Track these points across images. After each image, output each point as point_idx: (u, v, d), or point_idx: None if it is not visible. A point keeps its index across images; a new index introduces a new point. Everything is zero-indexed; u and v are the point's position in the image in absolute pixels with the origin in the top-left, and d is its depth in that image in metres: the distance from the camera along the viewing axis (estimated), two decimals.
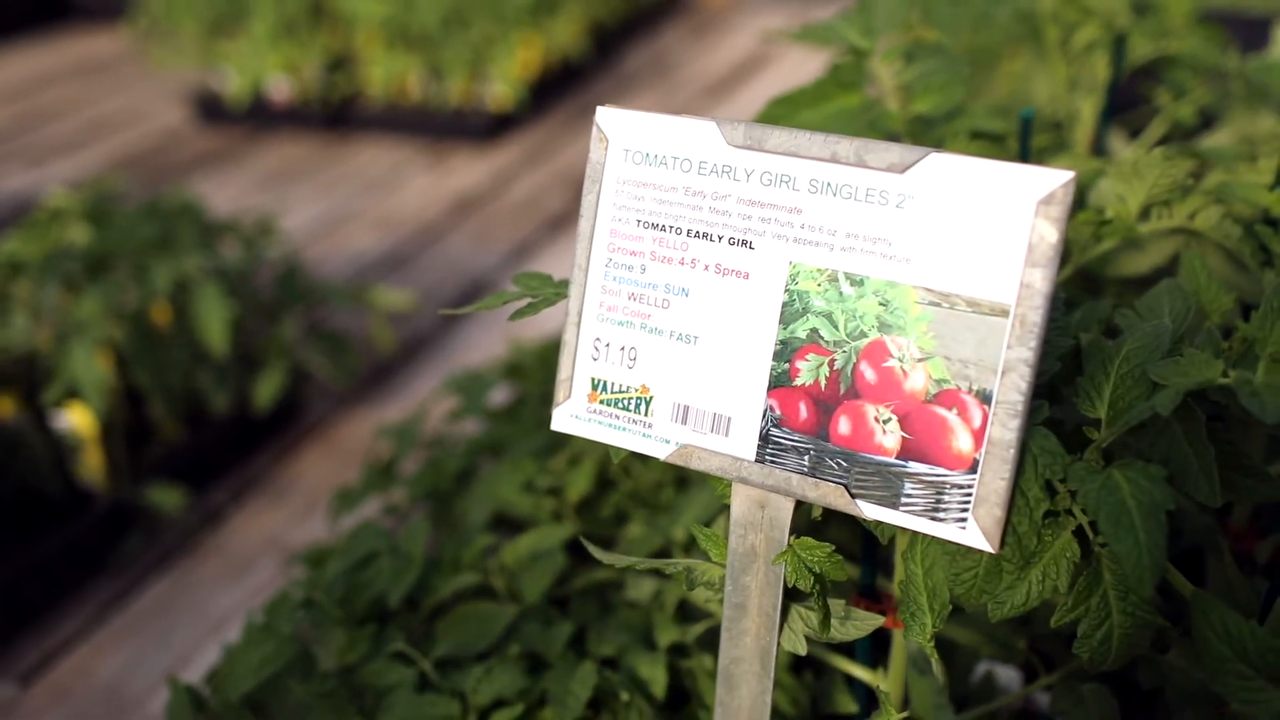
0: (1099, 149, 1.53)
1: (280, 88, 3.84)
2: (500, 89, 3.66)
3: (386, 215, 3.39)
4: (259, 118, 3.91)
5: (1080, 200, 1.20)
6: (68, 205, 2.21)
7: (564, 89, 4.07)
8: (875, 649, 1.04)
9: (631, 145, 0.87)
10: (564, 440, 1.51)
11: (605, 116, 0.87)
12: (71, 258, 2.03)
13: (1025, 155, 1.19)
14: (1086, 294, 1.23)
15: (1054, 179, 0.74)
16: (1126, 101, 1.90)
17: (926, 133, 1.23)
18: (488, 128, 3.70)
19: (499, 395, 2.20)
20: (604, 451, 1.43)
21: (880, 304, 0.79)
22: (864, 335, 0.80)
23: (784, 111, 1.21)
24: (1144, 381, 0.84)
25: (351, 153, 3.80)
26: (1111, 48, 1.46)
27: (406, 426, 1.70)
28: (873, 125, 1.21)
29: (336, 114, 3.85)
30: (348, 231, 3.29)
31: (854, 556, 1.14)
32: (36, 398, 1.96)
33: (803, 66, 4.31)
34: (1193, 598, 0.82)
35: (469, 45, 3.58)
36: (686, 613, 1.22)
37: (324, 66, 3.79)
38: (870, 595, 0.99)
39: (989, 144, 1.21)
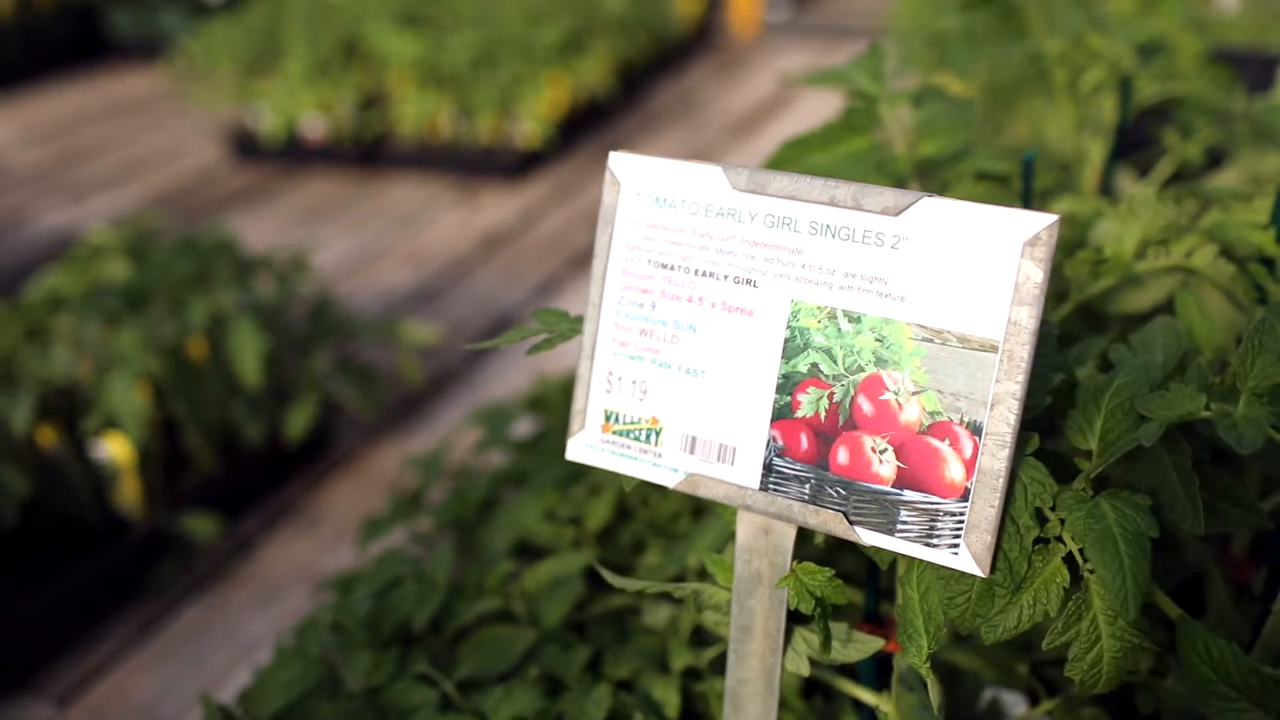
0: (1107, 188, 1.57)
1: (314, 126, 3.93)
2: (529, 127, 3.73)
3: (417, 251, 3.46)
4: (293, 155, 3.99)
5: (1081, 239, 1.24)
6: (107, 241, 2.28)
7: (591, 126, 4.14)
8: (880, 673, 1.08)
9: (642, 189, 0.92)
10: (585, 471, 1.55)
11: (617, 161, 0.92)
12: (111, 293, 2.09)
13: (1028, 196, 1.23)
14: (1091, 330, 1.27)
15: (1038, 221, 0.78)
16: (1138, 141, 1.94)
17: (933, 174, 1.27)
18: (517, 165, 3.77)
19: (522, 427, 2.25)
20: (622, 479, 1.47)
21: (877, 340, 0.84)
22: (861, 370, 0.84)
23: (795, 154, 1.26)
24: (1132, 414, 0.88)
25: (383, 189, 3.87)
26: (1118, 90, 1.50)
27: (432, 457, 1.75)
28: (880, 167, 1.25)
29: (369, 151, 3.93)
30: (379, 267, 3.36)
31: (861, 583, 1.18)
32: (76, 428, 2.02)
33: (827, 103, 4.36)
34: (1178, 622, 0.85)
35: (498, 85, 3.65)
36: (700, 638, 1.26)
37: (357, 105, 3.87)
38: (874, 620, 1.03)
39: (993, 185, 1.26)
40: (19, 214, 3.82)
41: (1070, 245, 1.25)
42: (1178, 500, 0.88)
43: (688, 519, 1.45)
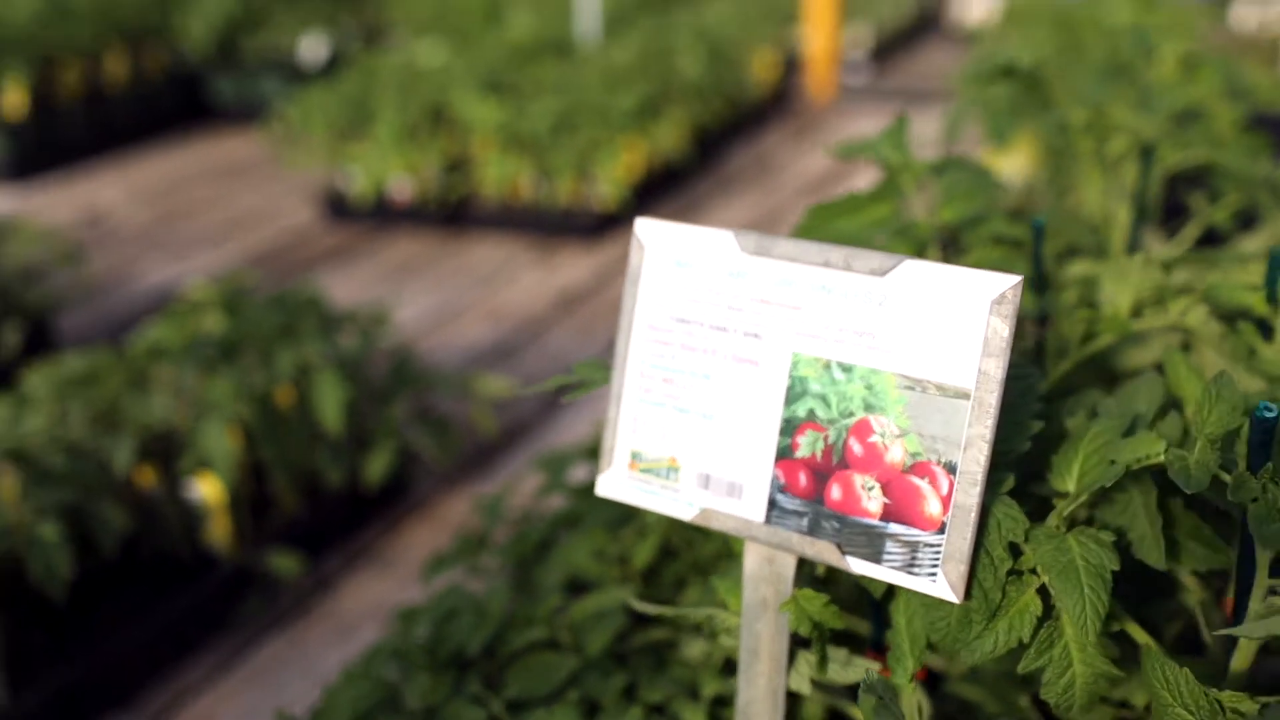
0: (1134, 251, 1.65)
1: (401, 188, 4.12)
2: (605, 190, 3.88)
3: (496, 309, 3.61)
4: (381, 216, 4.19)
5: (1094, 300, 1.32)
6: (205, 297, 2.46)
7: (666, 189, 4.28)
8: None
9: (664, 252, 1.03)
10: (634, 514, 1.66)
11: (642, 227, 1.04)
12: (207, 344, 2.26)
13: (1038, 259, 1.33)
14: (1102, 385, 1.35)
15: (1004, 282, 0.88)
16: (1175, 206, 2.01)
17: (952, 239, 1.37)
18: (593, 226, 3.92)
19: (580, 473, 2.36)
20: (668, 524, 1.57)
21: (866, 388, 0.94)
22: (852, 414, 0.94)
23: (821, 219, 1.37)
24: (1107, 460, 0.96)
25: (466, 249, 4.04)
26: (1140, 158, 1.59)
27: (495, 501, 1.86)
28: (902, 232, 1.35)
29: (453, 212, 4.10)
30: (459, 324, 3.51)
31: (868, 615, 1.26)
32: (172, 469, 2.18)
33: None
34: (1143, 650, 0.93)
35: (576, 149, 3.81)
36: (732, 669, 1.35)
37: (442, 168, 4.06)
38: (879, 649, 1.12)
39: (1008, 249, 1.35)
40: (126, 270, 4.05)
41: (1082, 305, 1.34)
42: (1145, 538, 0.96)
43: (730, 560, 1.54)
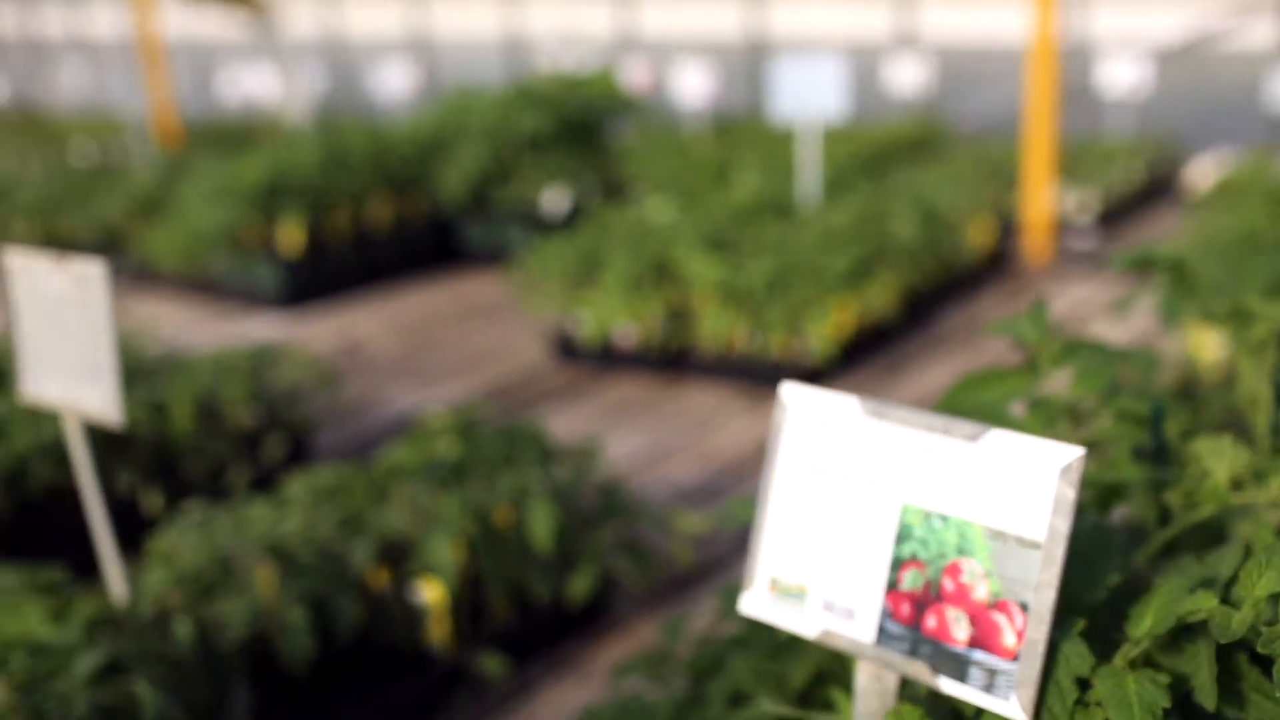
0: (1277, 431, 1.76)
1: (626, 334, 4.46)
2: (815, 345, 4.11)
3: (706, 452, 3.85)
4: (606, 359, 4.53)
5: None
6: (443, 424, 2.79)
7: (875, 347, 4.48)
8: None
9: (804, 412, 1.26)
10: (797, 640, 1.85)
11: (786, 390, 1.27)
12: (441, 466, 2.58)
13: (1158, 437, 1.48)
14: (1211, 549, 1.48)
15: (1071, 454, 1.07)
16: None
17: (1083, 414, 1.54)
18: (803, 379, 4.14)
19: None
20: (824, 650, 1.76)
21: (959, 535, 1.13)
22: (947, 556, 1.13)
23: (966, 390, 1.56)
24: (1175, 612, 1.12)
25: (682, 394, 4.32)
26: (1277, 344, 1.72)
27: (678, 622, 2.08)
28: (1036, 405, 1.54)
29: (672, 359, 4.41)
30: (670, 463, 3.78)
31: None
32: (402, 572, 2.49)
33: (1114, 331, 4.52)
34: None
35: (789, 306, 4.07)
36: None
37: (664, 318, 4.38)
38: None
39: (1132, 424, 1.51)
40: (377, 395, 4.50)
41: (1201, 478, 1.48)
42: (1204, 685, 1.11)
43: None
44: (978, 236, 5.27)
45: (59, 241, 6.78)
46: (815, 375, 4.18)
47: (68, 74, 12.02)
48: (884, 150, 6.45)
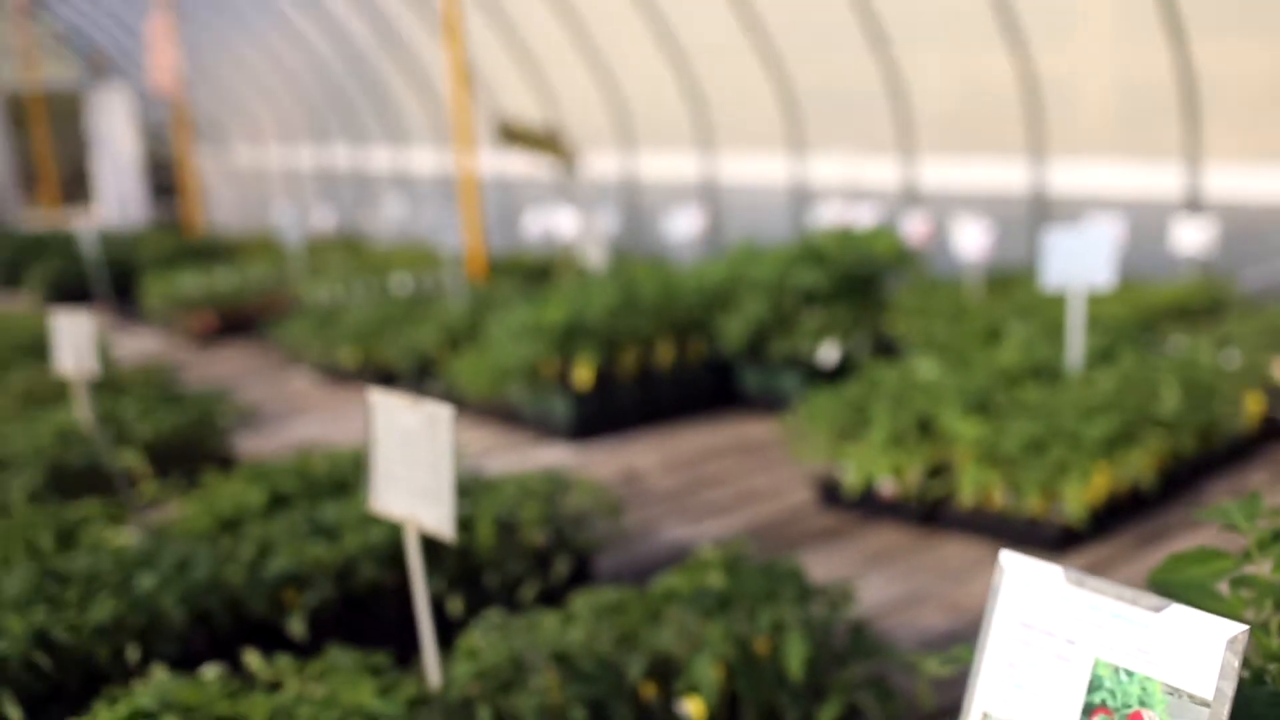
0: None
1: (887, 485, 4.70)
2: (1070, 508, 4.23)
3: (956, 603, 4.03)
4: (867, 507, 4.77)
5: None
6: (711, 557, 3.12)
7: (1131, 514, 4.54)
8: None
9: (1017, 576, 1.52)
10: None
11: (1005, 557, 1.53)
12: (708, 595, 2.90)
13: None
14: None
15: (1236, 629, 1.29)
16: None
17: None
18: (1056, 540, 4.27)
19: None
20: None
21: (1141, 689, 1.36)
22: (1130, 706, 1.37)
23: (1175, 566, 1.77)
24: None
25: (937, 546, 4.51)
26: None
27: None
28: (1238, 583, 1.74)
29: (930, 512, 4.61)
30: (919, 610, 3.97)
31: None
32: (669, 688, 2.80)
33: None
34: None
35: (1046, 468, 4.22)
36: None
37: (924, 472, 4.60)
38: None
39: None
40: (653, 525, 4.89)
41: None
42: None
43: None
44: (1253, 406, 5.25)
45: (377, 365, 7.59)
46: (1068, 538, 4.30)
47: (388, 206, 13.32)
48: (1161, 311, 6.48)
